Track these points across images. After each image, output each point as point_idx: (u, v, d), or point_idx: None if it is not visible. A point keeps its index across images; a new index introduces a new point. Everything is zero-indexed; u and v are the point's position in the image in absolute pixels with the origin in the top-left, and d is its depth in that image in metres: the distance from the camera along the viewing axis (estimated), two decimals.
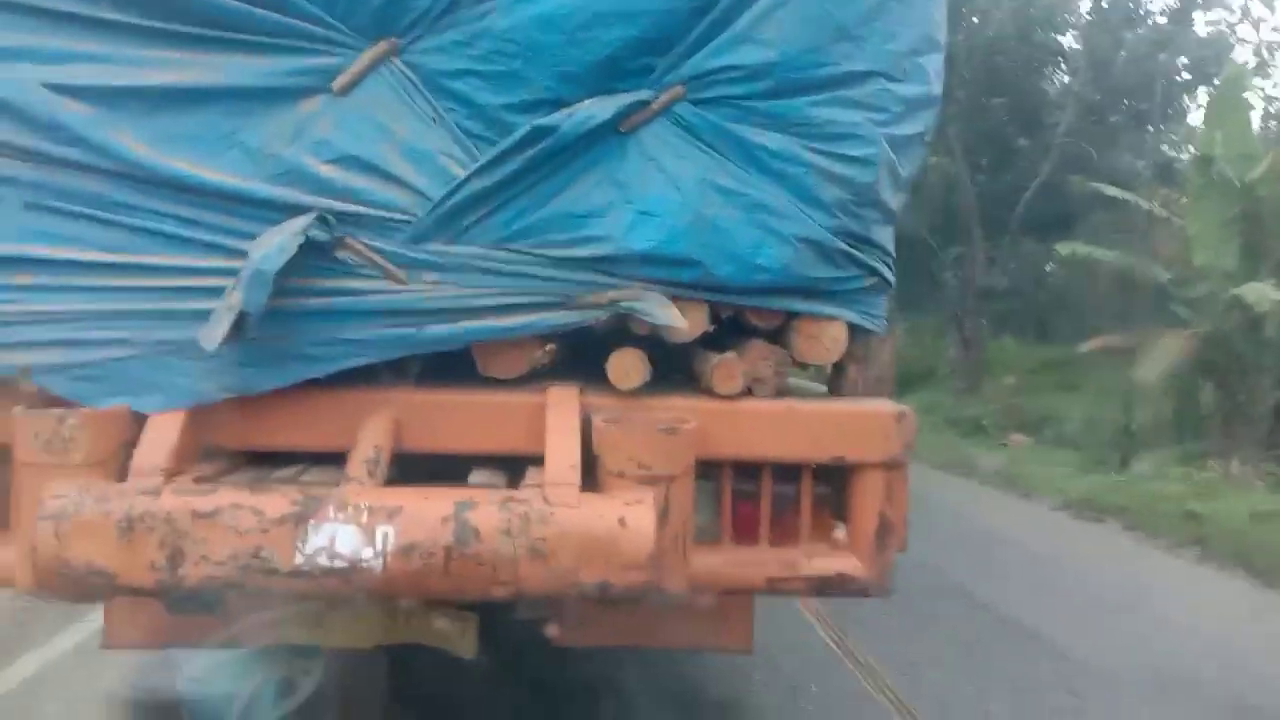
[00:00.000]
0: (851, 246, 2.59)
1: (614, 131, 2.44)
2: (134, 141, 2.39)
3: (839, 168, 2.49)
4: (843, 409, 2.69)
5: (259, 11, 2.36)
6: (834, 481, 2.70)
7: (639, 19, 2.38)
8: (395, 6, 2.38)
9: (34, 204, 2.41)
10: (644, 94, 2.43)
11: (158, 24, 2.39)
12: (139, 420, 2.41)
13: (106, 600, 2.65)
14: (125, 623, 2.80)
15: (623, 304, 2.48)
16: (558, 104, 2.41)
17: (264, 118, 2.40)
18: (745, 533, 2.66)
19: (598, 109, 2.40)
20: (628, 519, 2.22)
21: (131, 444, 2.37)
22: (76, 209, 2.41)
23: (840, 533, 2.72)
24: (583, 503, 2.26)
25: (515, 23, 2.38)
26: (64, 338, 2.42)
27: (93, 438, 2.34)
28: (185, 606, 2.50)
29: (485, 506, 2.21)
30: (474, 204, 2.42)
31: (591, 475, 2.37)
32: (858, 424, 2.63)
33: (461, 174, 2.41)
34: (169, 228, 2.40)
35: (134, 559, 2.16)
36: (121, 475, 2.33)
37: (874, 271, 2.69)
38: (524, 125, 2.38)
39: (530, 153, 2.39)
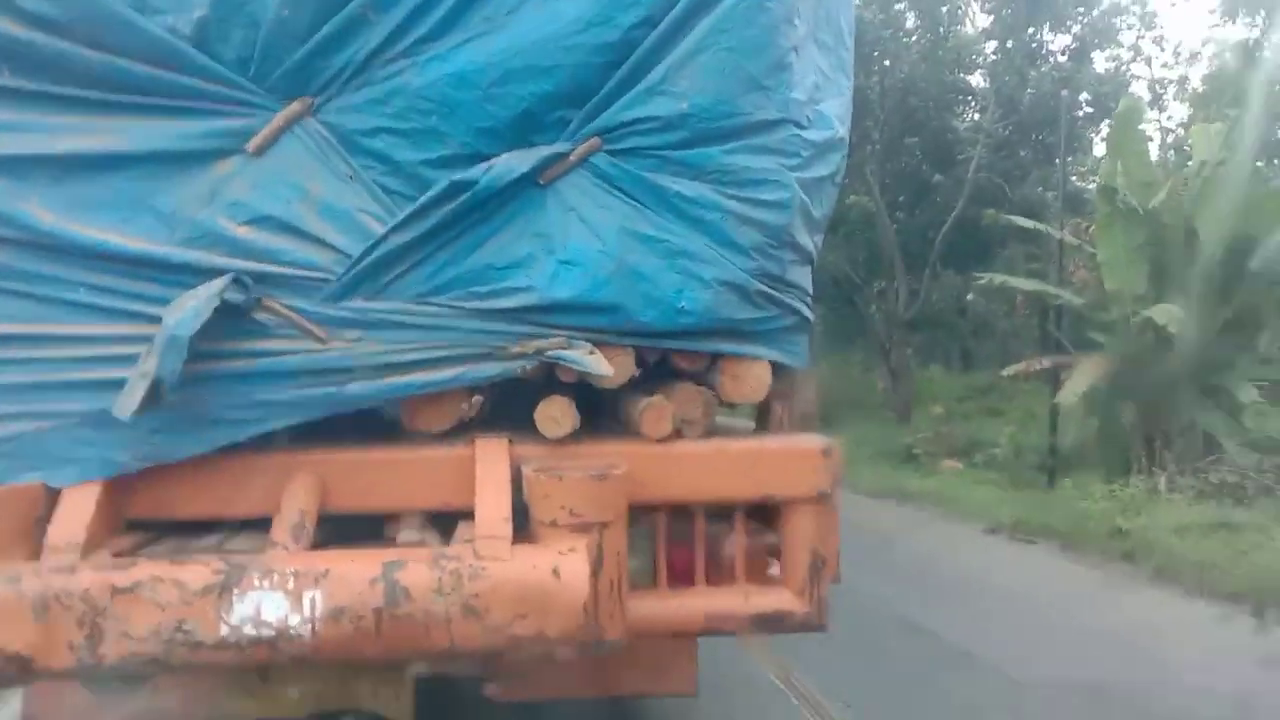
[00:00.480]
0: (770, 287, 2.64)
1: (533, 184, 2.46)
2: (41, 209, 2.33)
3: (754, 212, 2.54)
4: (770, 446, 2.72)
5: (169, 75, 2.34)
6: (766, 518, 2.73)
7: (553, 74, 2.42)
8: (309, 66, 2.38)
9: None
10: (561, 146, 2.46)
11: (64, 90, 2.35)
12: (53, 495, 2.33)
13: (23, 684, 2.54)
14: (46, 707, 2.68)
15: (548, 353, 2.49)
16: (476, 158, 2.43)
17: (177, 181, 2.37)
18: (681, 575, 2.67)
19: (516, 162, 2.42)
20: (561, 569, 2.21)
21: (45, 520, 2.29)
22: None
23: (775, 569, 2.74)
24: (515, 555, 2.25)
25: (430, 80, 2.40)
26: None
27: (4, 515, 2.25)
28: (108, 686, 2.41)
29: (415, 565, 2.18)
30: (394, 259, 2.42)
31: (524, 526, 2.36)
32: (785, 460, 2.66)
33: (380, 230, 2.40)
34: (80, 296, 2.35)
35: (51, 640, 2.08)
36: (36, 553, 2.24)
37: (794, 311, 2.75)
38: (443, 180, 2.39)
39: (450, 207, 2.39)
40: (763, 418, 2.92)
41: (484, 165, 2.42)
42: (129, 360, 2.27)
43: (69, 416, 2.35)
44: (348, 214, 2.41)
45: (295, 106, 2.40)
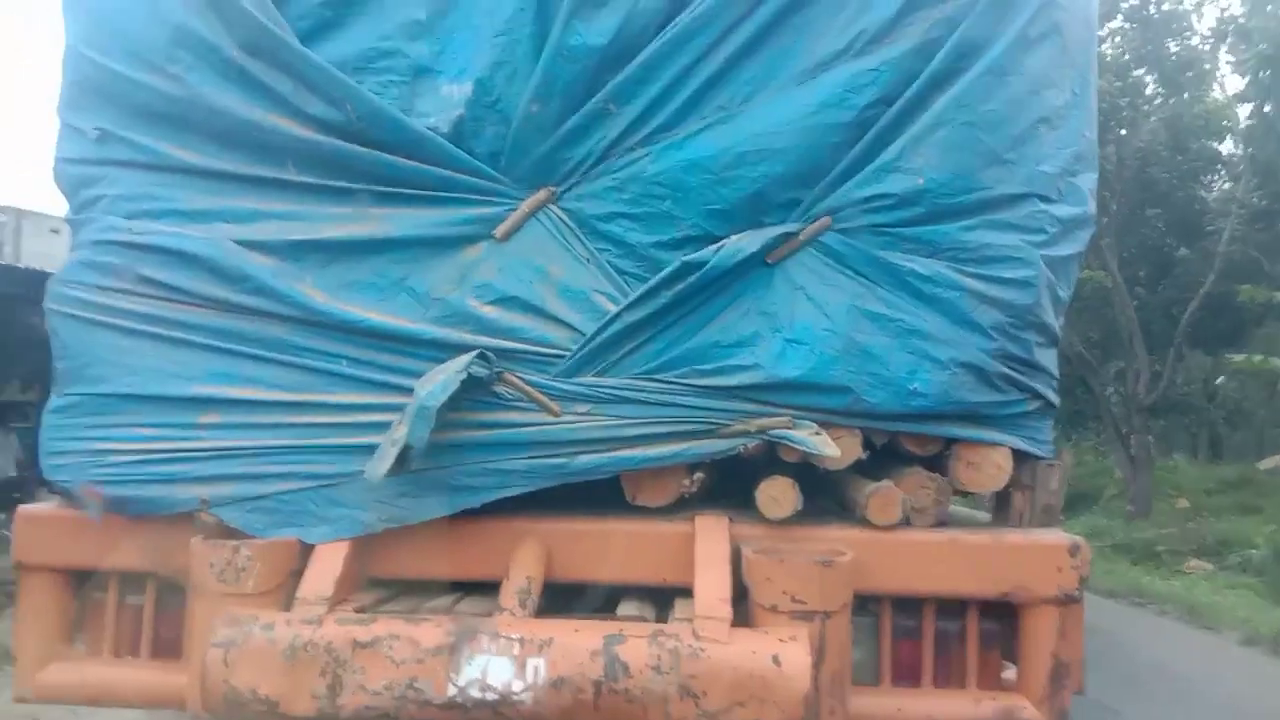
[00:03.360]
0: (1012, 370, 2.51)
1: (761, 263, 2.48)
2: (312, 289, 2.57)
3: (996, 290, 2.44)
4: (1010, 540, 2.55)
5: (429, 168, 2.55)
6: (1002, 618, 2.54)
7: (785, 156, 2.44)
8: (553, 157, 2.53)
9: (220, 348, 2.61)
10: (790, 226, 2.46)
11: (336, 183, 2.61)
12: (306, 550, 2.51)
13: None
14: None
15: (772, 432, 2.46)
16: (706, 240, 2.48)
17: (430, 264, 2.56)
18: (907, 673, 2.52)
19: (745, 242, 2.44)
20: (782, 657, 2.14)
21: (298, 573, 2.47)
22: (256, 352, 2.60)
23: (1010, 673, 2.54)
24: (734, 638, 2.20)
25: (665, 167, 2.48)
26: (241, 472, 2.58)
27: (264, 568, 2.45)
28: None
29: (634, 640, 2.18)
30: (625, 337, 2.49)
31: (741, 608, 2.31)
32: (1027, 557, 2.48)
33: (613, 309, 2.48)
34: (342, 368, 2.56)
35: (296, 687, 2.22)
36: (287, 605, 2.42)
37: (1037, 395, 2.59)
38: (674, 261, 2.45)
39: (679, 287, 2.45)
40: (1001, 509, 2.75)
41: (714, 246, 2.45)
42: (381, 428, 2.44)
43: (325, 478, 2.55)
44: (584, 294, 2.51)
45: (540, 195, 2.54)
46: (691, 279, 2.44)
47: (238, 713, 2.25)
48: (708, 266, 2.43)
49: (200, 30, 2.61)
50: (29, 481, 9.87)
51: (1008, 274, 2.45)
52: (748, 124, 2.48)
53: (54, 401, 2.71)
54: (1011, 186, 2.44)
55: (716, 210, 2.49)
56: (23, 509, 2.77)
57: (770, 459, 2.55)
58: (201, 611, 2.43)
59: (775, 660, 2.13)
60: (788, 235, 2.46)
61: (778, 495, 2.52)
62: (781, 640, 2.18)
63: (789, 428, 2.45)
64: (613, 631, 2.21)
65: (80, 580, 2.72)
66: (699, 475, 2.57)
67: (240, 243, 2.61)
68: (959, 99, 2.40)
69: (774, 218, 2.48)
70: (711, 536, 2.47)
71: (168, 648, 2.66)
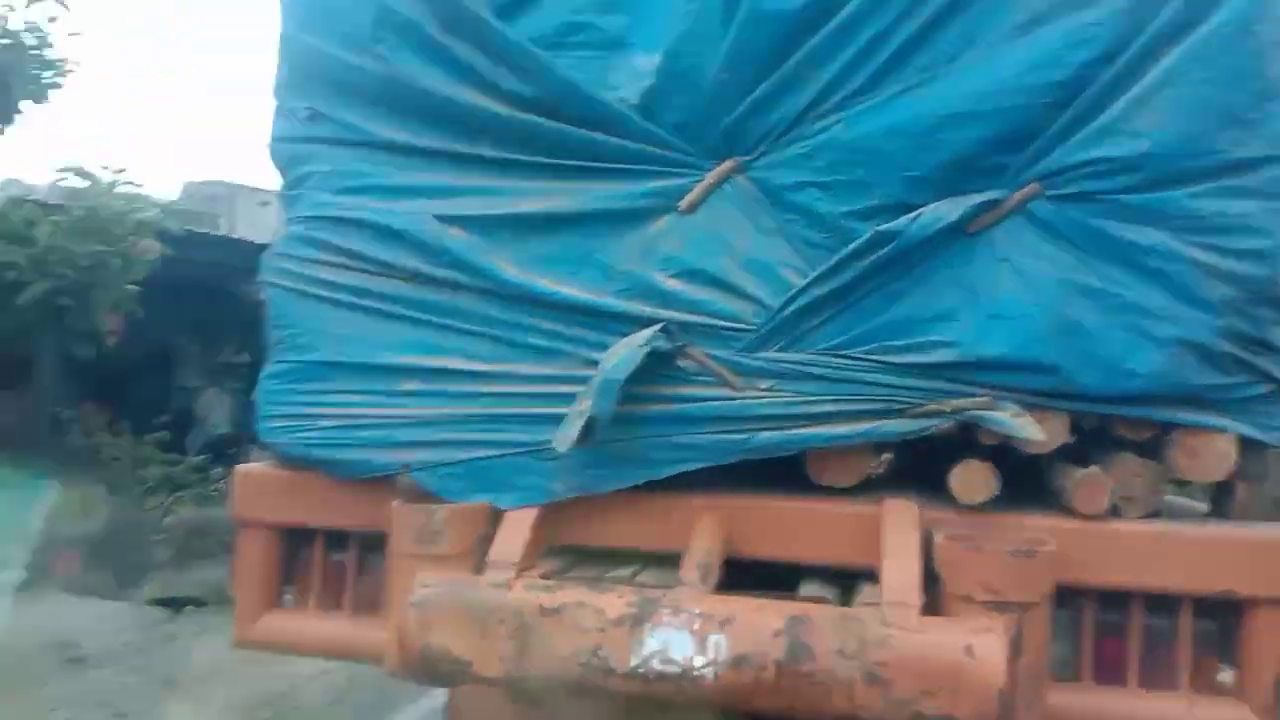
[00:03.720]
0: (1242, 349, 2.28)
1: (961, 233, 2.34)
2: (505, 263, 2.63)
3: (1227, 263, 2.22)
4: (1232, 534, 2.33)
5: (617, 141, 2.55)
6: (1219, 617, 2.33)
7: (991, 118, 2.30)
8: (741, 127, 2.47)
9: (420, 319, 2.71)
10: (995, 193, 2.32)
11: (530, 158, 2.65)
12: (496, 516, 2.59)
13: (450, 685, 2.82)
14: (469, 706, 2.97)
15: (970, 413, 2.34)
16: (901, 209, 2.37)
17: (617, 238, 2.56)
18: (1110, 671, 2.36)
19: (944, 210, 2.32)
20: (976, 648, 2.04)
21: (488, 538, 2.55)
22: (453, 323, 2.69)
23: (1227, 676, 2.33)
24: (925, 627, 2.12)
25: (861, 133, 2.39)
26: (438, 439, 2.68)
27: (457, 531, 2.54)
28: (522, 699, 2.61)
29: (819, 622, 2.13)
30: (811, 311, 2.42)
31: (930, 596, 2.22)
32: (1252, 553, 2.27)
33: (799, 282, 2.41)
34: (531, 340, 2.61)
35: (486, 649, 2.29)
36: (478, 568, 2.50)
37: (1270, 377, 2.34)
38: (866, 231, 2.36)
39: (871, 258, 2.35)
40: (1221, 500, 2.52)
41: (910, 215, 2.34)
42: (568, 399, 2.47)
43: (515, 446, 2.61)
44: (769, 267, 2.46)
45: (727, 165, 2.49)
46: (885, 250, 2.34)
47: (431, 670, 2.36)
48: (903, 236, 2.32)
49: (403, 10, 2.71)
50: (243, 438, 10.77)
51: (1241, 244, 2.22)
52: (953, 85, 2.34)
53: (268, 368, 2.91)
54: (1251, 149, 2.20)
55: (915, 177, 2.37)
56: (240, 467, 2.99)
57: (965, 441, 2.43)
58: (398, 571, 2.55)
59: (968, 651, 2.03)
60: (992, 203, 2.31)
61: (973, 479, 2.39)
62: (975, 631, 2.07)
63: (989, 408, 2.32)
64: (796, 612, 2.17)
65: (291, 536, 2.91)
66: (887, 456, 2.49)
67: (439, 218, 2.69)
68: (1194, 53, 2.17)
69: (977, 185, 2.33)
70: (900, 520, 2.38)
71: (368, 603, 2.82)
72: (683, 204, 2.52)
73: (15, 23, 6.94)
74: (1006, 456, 2.41)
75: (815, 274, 2.40)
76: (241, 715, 4.59)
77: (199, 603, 6.60)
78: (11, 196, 7.85)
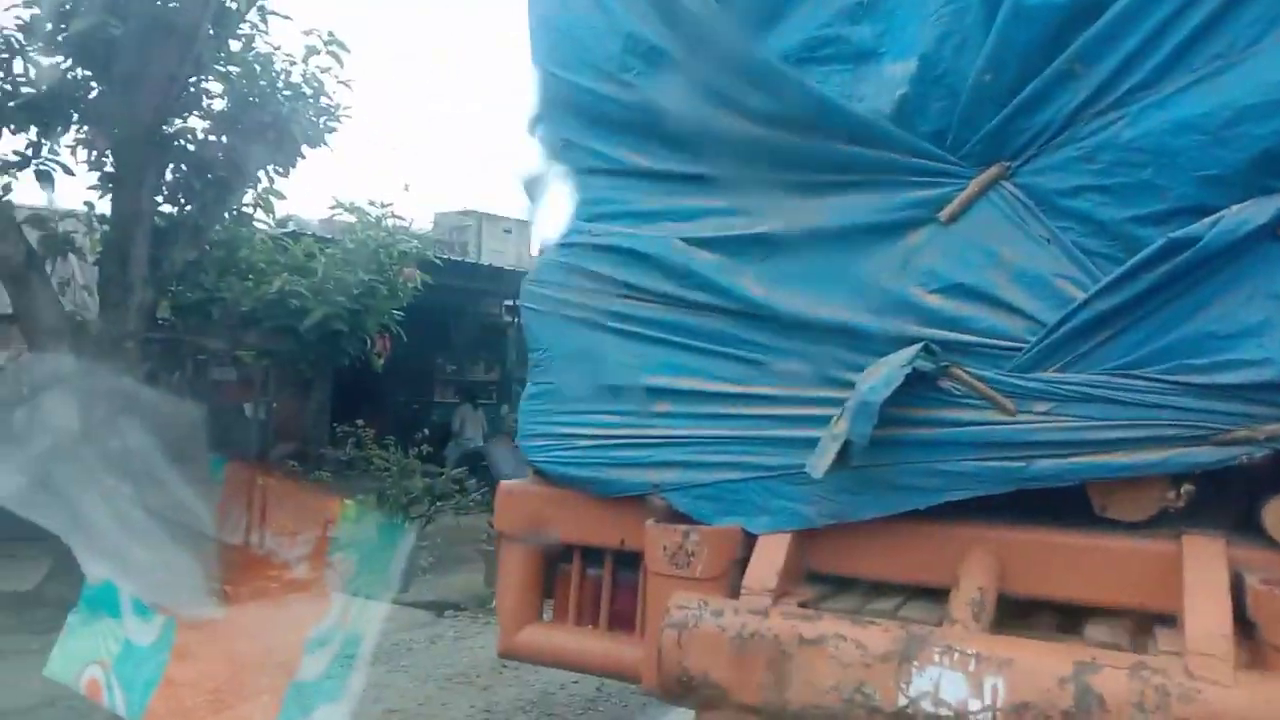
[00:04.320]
0: None
1: (1271, 237, 2.07)
2: (752, 283, 2.60)
3: None
4: None
5: (868, 152, 2.46)
6: None
7: None
8: (1007, 130, 2.31)
9: (670, 341, 2.73)
10: None
11: (778, 175, 2.61)
12: (749, 540, 2.55)
13: (710, 710, 2.80)
14: None
15: None
16: (1197, 212, 2.12)
17: (871, 253, 2.46)
18: None
19: (1250, 213, 2.06)
20: None
21: (741, 562, 2.51)
22: (702, 345, 2.69)
23: None
24: (1241, 682, 1.87)
25: (1145, 130, 2.17)
26: (688, 459, 2.68)
27: (710, 554, 2.52)
28: None
29: (1112, 671, 1.94)
30: (1095, 327, 2.21)
31: (1241, 648, 1.96)
32: None
33: (1080, 295, 2.22)
34: (781, 361, 2.55)
35: (744, 676, 2.26)
36: (732, 591, 2.47)
37: None
38: (1156, 238, 2.13)
39: (1164, 268, 2.12)
40: None
41: (1208, 219, 2.10)
42: (821, 422, 2.39)
43: (766, 470, 2.57)
44: (1043, 279, 2.28)
45: (991, 171, 2.34)
46: (1180, 258, 2.10)
47: (688, 693, 2.35)
48: (1201, 243, 2.08)
49: (649, 36, 2.75)
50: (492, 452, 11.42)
51: None
52: (1253, 73, 2.08)
53: (528, 389, 3.03)
54: None
55: (1211, 176, 2.12)
56: (504, 484, 3.13)
57: (1276, 472, 2.14)
58: (655, 591, 2.56)
59: None
60: None
61: None
62: None
63: None
64: (1084, 658, 1.98)
65: (552, 551, 3.00)
66: (1187, 488, 2.22)
67: (685, 240, 2.71)
68: None
69: None
70: (1204, 559, 2.12)
71: (623, 620, 2.86)
72: (943, 214, 2.39)
73: (295, 76, 7.71)
74: None
75: (1099, 286, 2.19)
76: None
77: (459, 607, 7.02)
78: (291, 232, 8.73)
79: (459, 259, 11.60)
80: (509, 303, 11.97)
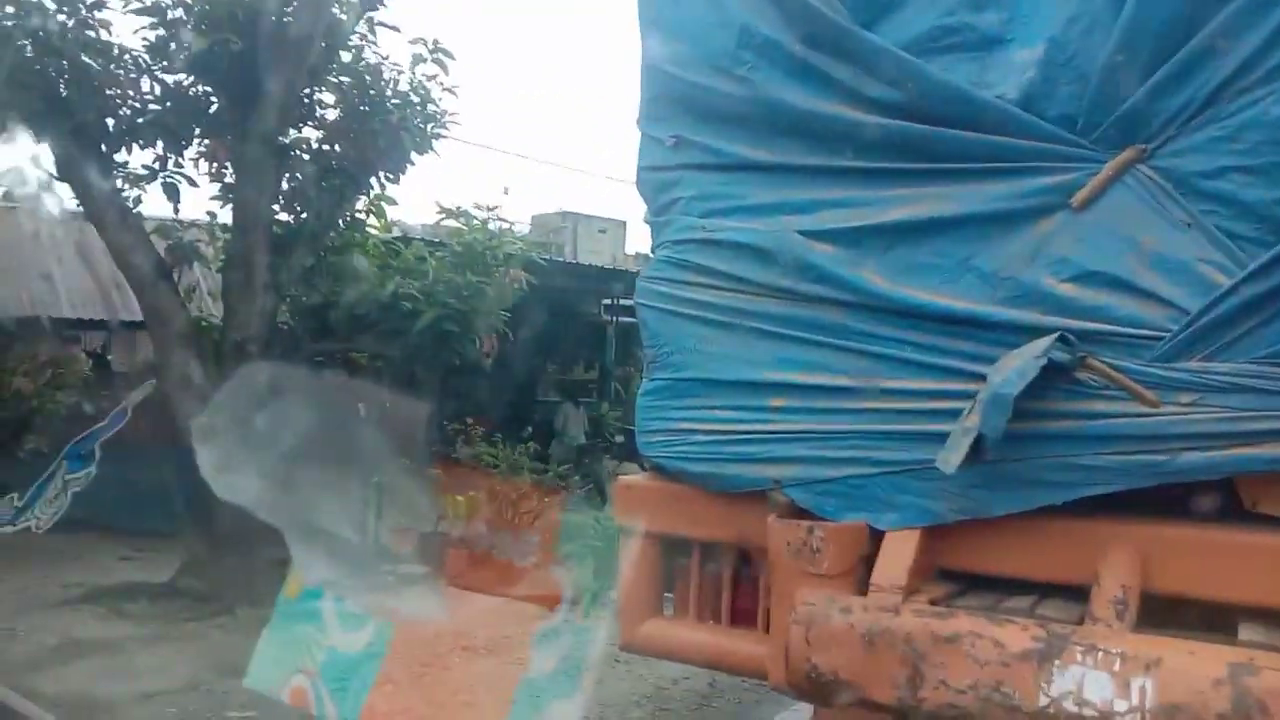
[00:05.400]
0: None
1: None
2: (873, 275, 2.57)
3: None
4: None
5: (994, 139, 2.40)
6: None
7: None
8: (1143, 111, 2.23)
9: (788, 335, 2.71)
10: None
11: (893, 165, 2.58)
12: (875, 536, 2.52)
13: (836, 705, 2.77)
14: None
15: None
16: None
17: (998, 241, 2.41)
18: None
19: None
20: None
21: (868, 558, 2.48)
22: (821, 339, 2.66)
23: None
24: None
25: None
26: (809, 455, 2.66)
27: (836, 550, 2.50)
28: None
29: (1272, 674, 1.85)
30: (1242, 314, 2.12)
31: None
32: None
33: (1225, 281, 2.13)
34: (906, 353, 2.51)
35: (876, 673, 2.23)
36: (858, 588, 2.44)
37: None
38: None
39: None
40: None
41: None
42: (950, 415, 2.35)
43: (893, 464, 2.53)
44: (1184, 265, 2.19)
45: (1126, 155, 2.26)
46: None
47: (819, 691, 2.34)
48: None
49: (763, 29, 2.74)
50: (596, 449, 11.55)
51: None
52: None
53: (645, 385, 3.05)
54: None
55: None
56: (622, 479, 3.16)
57: None
58: (779, 587, 2.55)
59: None
60: None
61: None
62: None
63: None
64: (1240, 659, 1.90)
65: (671, 546, 3.02)
66: None
67: (802, 233, 2.69)
68: None
69: None
70: None
71: (744, 616, 2.86)
72: (1075, 200, 2.31)
73: (403, 84, 7.92)
74: None
75: (1248, 271, 2.10)
76: (616, 714, 4.86)
77: (573, 602, 7.11)
78: (401, 236, 8.97)
79: (558, 259, 11.74)
80: (607, 301, 12.07)
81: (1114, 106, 2.27)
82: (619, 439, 11.50)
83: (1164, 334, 2.20)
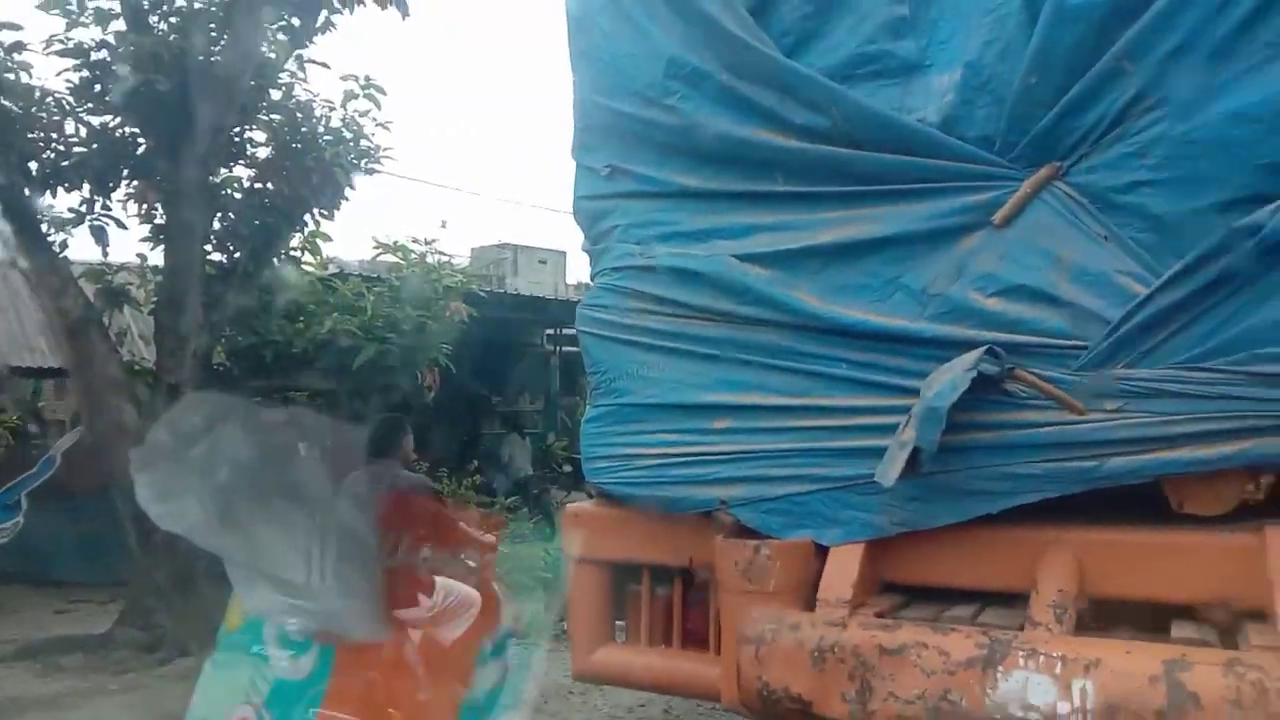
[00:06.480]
0: None
1: None
2: (807, 295, 2.62)
3: None
4: None
5: (917, 160, 2.47)
6: None
7: None
8: (1056, 131, 2.32)
9: (727, 358, 2.75)
10: None
11: (824, 189, 2.64)
12: (820, 552, 2.55)
13: None
14: None
15: None
16: (1257, 200, 2.11)
17: (925, 259, 2.48)
18: None
19: None
20: None
21: (815, 574, 2.51)
22: (759, 360, 2.71)
23: None
24: None
25: (1199, 122, 2.16)
26: (752, 474, 2.69)
27: (783, 567, 2.52)
28: None
29: (1204, 669, 1.92)
30: (1160, 321, 2.20)
31: None
32: None
33: (1142, 291, 2.21)
34: (841, 371, 2.57)
35: (827, 688, 2.26)
36: (806, 604, 2.47)
37: None
38: (1218, 229, 2.12)
39: (1228, 258, 2.11)
40: None
41: (1269, 207, 2.08)
42: (886, 430, 2.40)
43: (833, 480, 2.57)
44: (1104, 277, 2.27)
45: (1043, 172, 2.34)
46: (1245, 247, 2.09)
47: (770, 708, 2.35)
48: (1266, 230, 2.06)
49: (691, 59, 2.79)
50: (543, 479, 11.45)
51: None
52: None
53: (589, 412, 3.06)
54: None
55: (1269, 164, 2.11)
56: (570, 507, 3.16)
57: None
58: (728, 607, 2.57)
59: None
60: None
61: None
62: None
63: None
64: (1173, 656, 1.96)
65: (620, 572, 3.02)
66: (1266, 479, 2.19)
67: (738, 257, 2.73)
68: None
69: None
70: None
71: (695, 639, 2.87)
72: (996, 218, 2.39)
73: (335, 120, 7.87)
74: None
75: (1163, 280, 2.18)
76: None
77: (521, 635, 7.03)
78: (339, 272, 8.87)
79: (499, 291, 11.71)
80: (550, 331, 12.05)
81: (1029, 126, 2.36)
82: (566, 469, 11.44)
83: (1087, 344, 2.27)
